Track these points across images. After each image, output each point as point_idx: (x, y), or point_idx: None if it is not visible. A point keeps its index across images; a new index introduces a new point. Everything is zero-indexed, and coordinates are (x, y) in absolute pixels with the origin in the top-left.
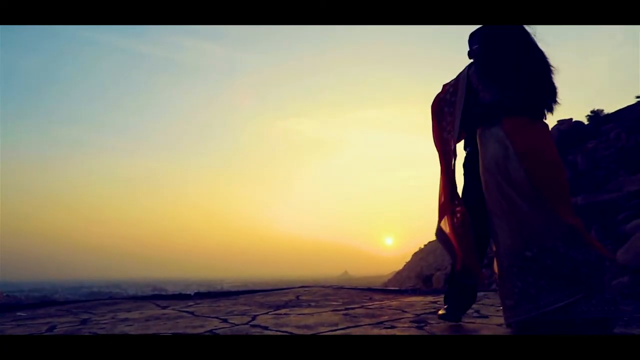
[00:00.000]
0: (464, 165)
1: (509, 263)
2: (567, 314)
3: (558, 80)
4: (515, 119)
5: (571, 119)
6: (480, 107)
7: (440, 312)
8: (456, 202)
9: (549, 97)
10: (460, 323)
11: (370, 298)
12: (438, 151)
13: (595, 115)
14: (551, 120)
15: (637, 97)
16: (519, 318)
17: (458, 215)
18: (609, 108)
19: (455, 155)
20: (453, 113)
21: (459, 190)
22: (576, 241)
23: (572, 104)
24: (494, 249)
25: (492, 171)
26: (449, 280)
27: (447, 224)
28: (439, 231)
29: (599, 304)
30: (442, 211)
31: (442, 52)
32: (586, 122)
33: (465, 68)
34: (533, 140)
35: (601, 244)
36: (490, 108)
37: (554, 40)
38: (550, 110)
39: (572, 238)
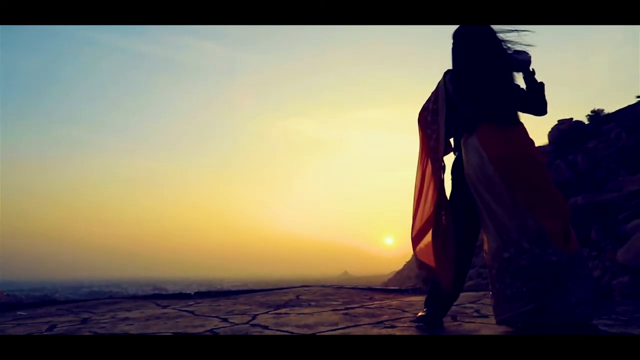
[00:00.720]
0: (452, 172)
1: (491, 265)
2: (544, 316)
3: (561, 79)
4: (487, 127)
5: (571, 118)
6: (459, 115)
7: (420, 314)
8: (443, 212)
9: (514, 102)
10: (460, 322)
11: (371, 298)
12: (428, 160)
13: (596, 115)
14: (551, 120)
15: (638, 96)
16: (498, 318)
17: (444, 222)
18: (610, 108)
19: (443, 165)
20: (437, 121)
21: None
22: (550, 243)
23: (572, 104)
24: (486, 253)
25: (472, 179)
26: (431, 285)
27: (428, 236)
28: (417, 260)
29: (571, 307)
30: (425, 227)
31: (442, 52)
32: (586, 122)
33: (442, 76)
34: (506, 145)
35: (578, 242)
36: (466, 117)
37: (554, 40)
38: (517, 110)
39: (546, 239)
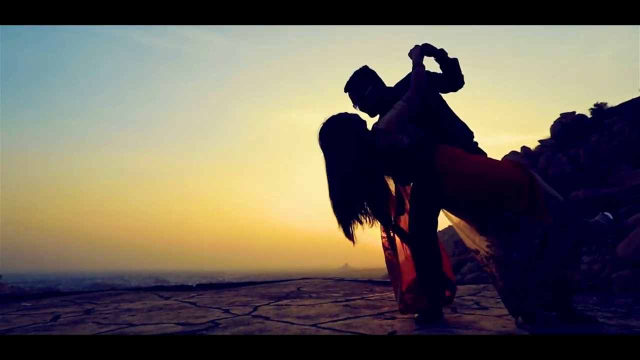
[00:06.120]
0: (412, 197)
1: (494, 262)
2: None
3: (565, 73)
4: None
5: (574, 112)
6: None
7: (415, 315)
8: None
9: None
10: (460, 314)
11: (371, 290)
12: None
13: (599, 109)
14: (554, 113)
15: None
16: (509, 307)
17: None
18: (613, 101)
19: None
20: None
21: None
22: (513, 228)
23: (575, 98)
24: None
25: (447, 214)
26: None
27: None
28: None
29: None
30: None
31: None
32: (589, 116)
33: None
34: (441, 178)
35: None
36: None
37: (558, 34)
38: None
39: (526, 221)
